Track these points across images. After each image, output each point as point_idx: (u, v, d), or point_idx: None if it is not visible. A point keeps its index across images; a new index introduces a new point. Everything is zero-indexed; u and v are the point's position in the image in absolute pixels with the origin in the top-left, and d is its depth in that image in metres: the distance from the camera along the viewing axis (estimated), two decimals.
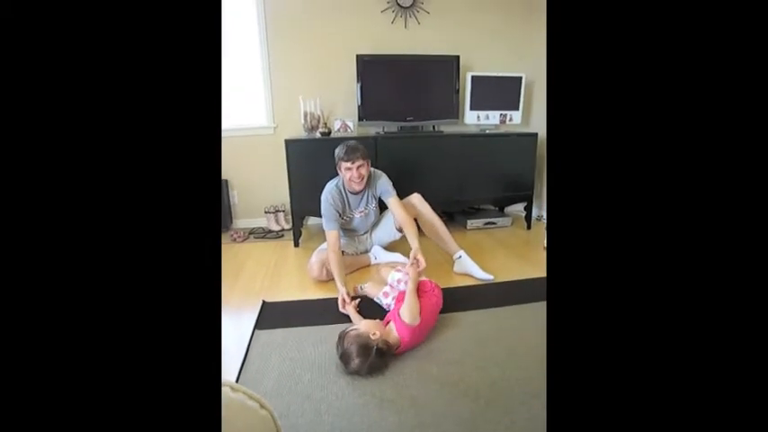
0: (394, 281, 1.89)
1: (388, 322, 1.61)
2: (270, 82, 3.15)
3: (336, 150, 2.24)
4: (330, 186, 2.35)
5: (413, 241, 2.10)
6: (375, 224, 2.60)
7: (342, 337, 1.49)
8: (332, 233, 2.25)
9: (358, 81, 2.95)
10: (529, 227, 3.21)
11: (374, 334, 1.46)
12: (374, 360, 1.40)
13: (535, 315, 1.80)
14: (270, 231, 3.23)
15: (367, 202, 2.43)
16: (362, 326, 1.52)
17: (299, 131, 3.02)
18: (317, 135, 2.92)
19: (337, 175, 2.35)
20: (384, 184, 2.39)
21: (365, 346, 1.41)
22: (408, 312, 1.56)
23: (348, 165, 2.21)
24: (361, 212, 2.45)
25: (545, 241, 2.76)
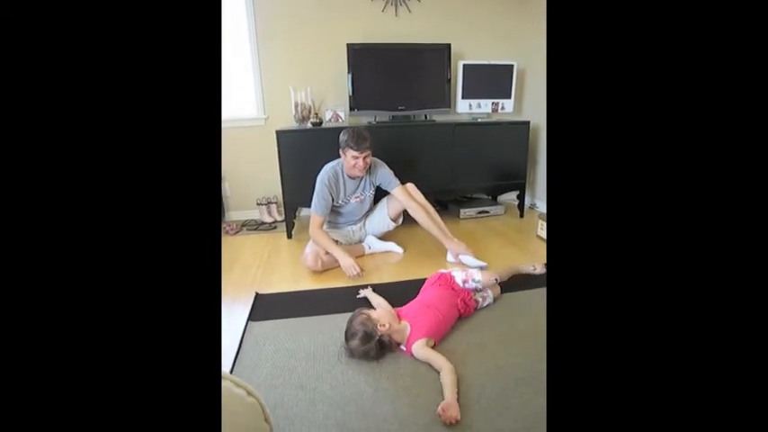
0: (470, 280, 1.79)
1: (405, 317, 1.55)
2: (260, 73, 3.11)
3: (343, 136, 2.24)
4: (328, 167, 2.34)
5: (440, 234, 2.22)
6: (368, 214, 2.59)
7: (354, 315, 1.50)
8: (318, 218, 2.29)
9: (349, 70, 2.92)
10: (522, 215, 3.22)
11: (383, 325, 1.44)
12: (372, 349, 1.41)
13: (528, 302, 1.81)
14: (263, 223, 3.21)
15: (364, 188, 2.43)
16: (377, 312, 1.51)
17: (290, 122, 2.99)
18: (309, 125, 2.89)
19: (331, 160, 2.35)
20: (386, 175, 2.41)
21: (368, 335, 1.42)
22: (422, 352, 1.44)
23: (356, 153, 2.22)
24: (357, 198, 2.45)
25: (538, 229, 2.77)
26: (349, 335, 1.46)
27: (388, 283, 2.09)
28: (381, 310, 1.54)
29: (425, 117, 3.15)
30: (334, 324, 1.67)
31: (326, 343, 1.55)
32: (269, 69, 3.12)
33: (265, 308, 1.87)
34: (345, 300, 1.89)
